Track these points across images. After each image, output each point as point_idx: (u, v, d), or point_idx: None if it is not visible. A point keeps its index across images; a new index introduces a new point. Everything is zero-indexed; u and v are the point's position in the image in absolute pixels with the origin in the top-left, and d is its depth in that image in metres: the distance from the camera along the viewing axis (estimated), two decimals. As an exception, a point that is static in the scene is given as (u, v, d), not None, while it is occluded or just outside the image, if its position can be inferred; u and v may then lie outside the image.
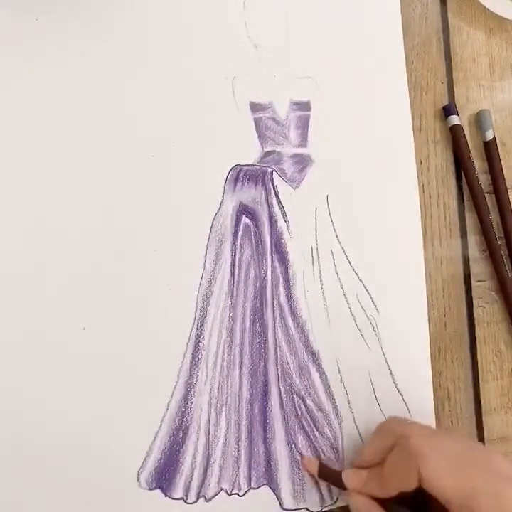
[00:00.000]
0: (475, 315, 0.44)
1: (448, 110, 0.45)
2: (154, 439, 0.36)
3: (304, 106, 0.42)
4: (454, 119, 0.45)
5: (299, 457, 0.37)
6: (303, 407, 0.38)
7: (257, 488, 0.37)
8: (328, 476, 0.36)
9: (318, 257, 0.40)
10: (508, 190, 0.45)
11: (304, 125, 0.42)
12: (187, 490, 0.36)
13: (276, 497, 0.37)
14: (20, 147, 0.36)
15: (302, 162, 0.41)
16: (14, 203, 0.35)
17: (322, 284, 0.40)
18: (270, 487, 0.37)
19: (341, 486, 0.35)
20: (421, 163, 0.44)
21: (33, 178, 0.36)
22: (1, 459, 0.33)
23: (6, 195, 0.35)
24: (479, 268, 0.45)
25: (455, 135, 0.45)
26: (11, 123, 0.36)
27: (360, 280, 0.41)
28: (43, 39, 0.37)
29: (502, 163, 0.45)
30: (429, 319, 0.42)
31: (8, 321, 0.34)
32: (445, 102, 0.46)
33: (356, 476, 0.35)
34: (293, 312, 0.39)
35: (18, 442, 0.33)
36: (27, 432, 0.34)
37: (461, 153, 0.45)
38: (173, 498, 0.35)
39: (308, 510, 0.37)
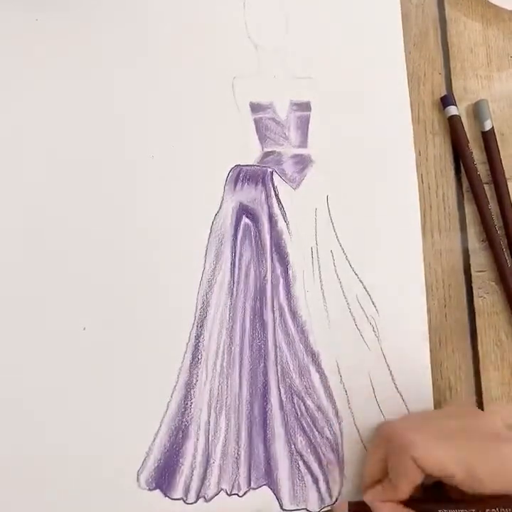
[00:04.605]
0: (475, 305, 0.44)
1: (446, 101, 0.45)
2: (154, 440, 0.36)
3: (304, 106, 0.42)
4: (452, 110, 0.45)
5: (298, 458, 0.38)
6: (303, 407, 0.38)
7: (256, 489, 0.37)
8: (358, 509, 0.37)
9: (318, 257, 0.40)
10: (507, 180, 0.45)
11: (304, 125, 0.42)
12: (187, 490, 0.36)
13: (276, 497, 0.37)
14: (20, 147, 0.36)
15: (302, 162, 0.41)
16: (14, 203, 0.35)
17: (322, 284, 0.40)
18: (270, 487, 0.37)
19: None
20: (420, 154, 0.44)
21: (33, 178, 0.36)
22: (1, 459, 0.33)
23: (6, 196, 0.35)
24: (479, 258, 0.45)
25: (453, 125, 0.45)
26: (11, 123, 0.36)
27: (360, 280, 0.41)
28: (43, 39, 0.37)
29: (500, 152, 0.45)
30: (429, 310, 0.42)
31: (8, 321, 0.34)
32: (443, 93, 0.46)
33: (374, 491, 0.35)
34: (293, 312, 0.39)
35: (18, 442, 0.34)
36: (27, 431, 0.34)
37: (459, 143, 0.45)
38: (172, 499, 0.35)
39: (307, 510, 0.37)
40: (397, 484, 0.33)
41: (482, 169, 0.45)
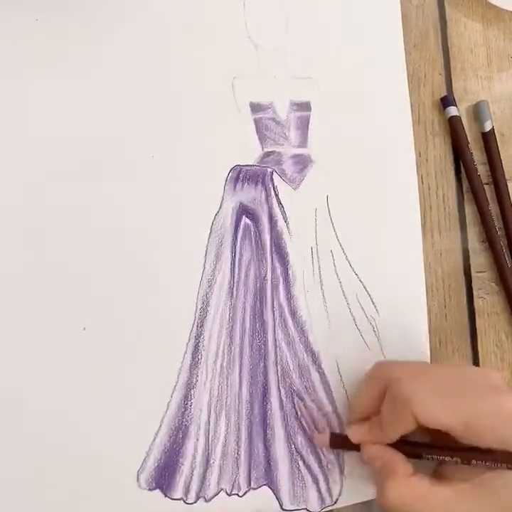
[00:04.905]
0: (475, 306, 0.44)
1: (446, 101, 0.45)
2: (154, 439, 0.36)
3: (304, 106, 0.42)
4: (452, 110, 0.45)
5: (298, 458, 0.38)
6: (303, 407, 0.38)
7: (256, 489, 0.37)
8: (340, 444, 0.36)
9: (318, 257, 0.40)
10: (507, 181, 0.45)
11: (304, 125, 0.42)
12: (187, 490, 0.36)
13: (276, 498, 0.37)
14: (20, 147, 0.36)
15: (302, 162, 0.41)
16: (14, 203, 0.35)
17: (322, 284, 0.40)
18: (270, 488, 0.37)
19: (354, 448, 0.35)
20: (420, 155, 0.44)
21: (33, 177, 0.36)
22: (0, 458, 0.33)
23: (6, 196, 0.35)
24: (479, 259, 0.45)
25: (453, 126, 0.45)
26: (11, 123, 0.36)
27: (360, 280, 0.41)
28: (43, 39, 0.37)
29: (500, 153, 0.45)
30: (429, 311, 0.42)
31: (8, 321, 0.34)
32: (443, 94, 0.46)
33: (359, 428, 0.35)
34: (293, 312, 0.39)
35: (18, 442, 0.33)
36: (26, 431, 0.34)
37: (459, 144, 0.45)
38: (172, 499, 0.35)
39: (307, 510, 0.37)
40: (388, 429, 0.33)
41: (482, 170, 0.45)
